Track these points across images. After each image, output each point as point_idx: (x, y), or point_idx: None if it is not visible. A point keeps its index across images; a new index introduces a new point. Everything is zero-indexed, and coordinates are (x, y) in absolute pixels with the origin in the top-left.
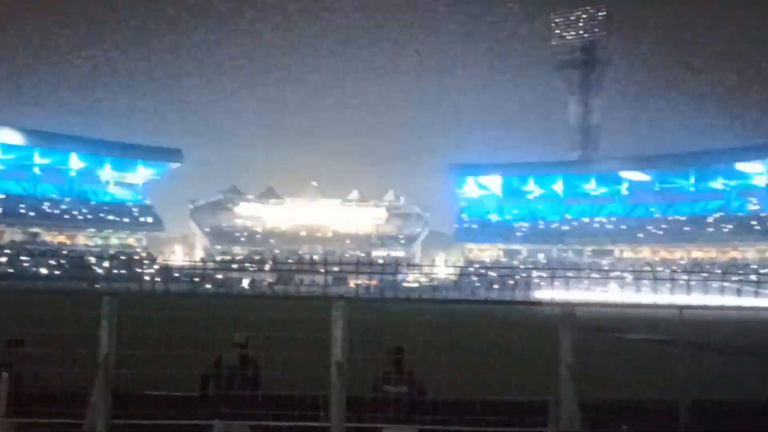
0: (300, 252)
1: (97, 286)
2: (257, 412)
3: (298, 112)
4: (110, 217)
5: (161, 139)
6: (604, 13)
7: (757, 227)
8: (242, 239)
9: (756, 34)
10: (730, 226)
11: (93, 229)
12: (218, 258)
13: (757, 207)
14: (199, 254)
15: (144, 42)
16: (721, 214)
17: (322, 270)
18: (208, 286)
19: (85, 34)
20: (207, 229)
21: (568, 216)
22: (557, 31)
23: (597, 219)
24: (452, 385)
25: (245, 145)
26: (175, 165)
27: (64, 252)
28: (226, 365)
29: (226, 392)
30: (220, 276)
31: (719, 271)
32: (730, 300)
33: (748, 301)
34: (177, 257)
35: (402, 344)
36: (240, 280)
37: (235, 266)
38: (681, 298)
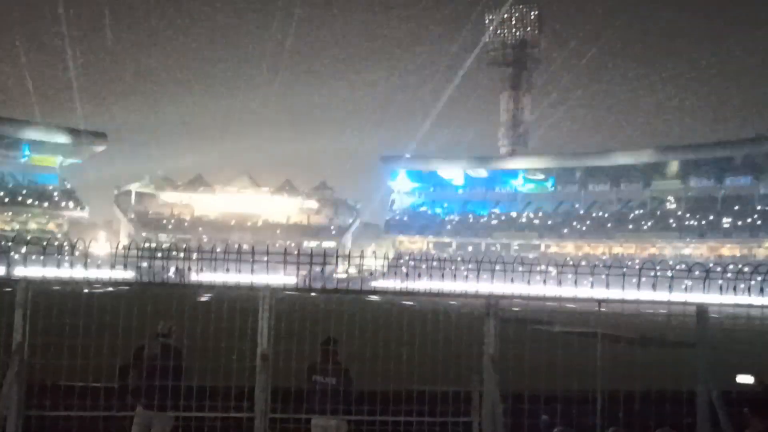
0: (229, 241)
1: (13, 271)
2: (181, 402)
3: (230, 100)
4: (29, 201)
5: (88, 122)
6: (537, 12)
7: (674, 225)
8: (169, 227)
9: (687, 34)
10: (649, 224)
11: (10, 213)
12: (143, 245)
13: (674, 206)
14: (123, 241)
15: (74, 24)
16: (641, 211)
17: (250, 259)
18: (131, 273)
19: (11, 10)
20: (132, 216)
21: (496, 210)
22: (490, 29)
23: (524, 214)
24: (379, 375)
25: (174, 132)
26: (99, 148)
27: None
28: (148, 355)
29: (148, 382)
30: (144, 264)
31: (637, 267)
32: (646, 294)
33: (664, 295)
34: (100, 244)
35: (330, 335)
36: (166, 268)
37: (159, 254)
38: (600, 292)
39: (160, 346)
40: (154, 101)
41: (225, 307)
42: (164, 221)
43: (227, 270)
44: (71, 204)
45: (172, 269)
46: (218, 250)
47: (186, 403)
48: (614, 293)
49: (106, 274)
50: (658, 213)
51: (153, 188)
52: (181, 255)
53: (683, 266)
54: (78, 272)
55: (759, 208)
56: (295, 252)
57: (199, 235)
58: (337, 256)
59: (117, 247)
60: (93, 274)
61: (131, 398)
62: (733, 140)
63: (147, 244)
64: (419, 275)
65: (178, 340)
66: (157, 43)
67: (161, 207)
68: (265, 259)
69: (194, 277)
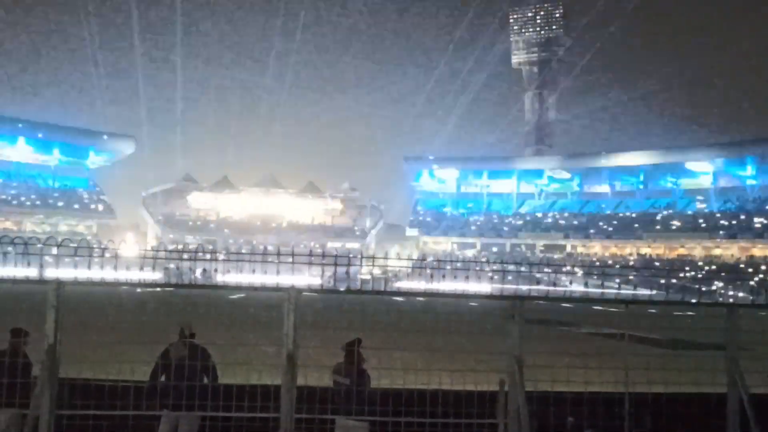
0: (254, 242)
1: (45, 273)
2: (207, 402)
3: (255, 103)
4: (60, 204)
5: (115, 125)
6: (562, 10)
7: (704, 225)
8: (195, 228)
9: (715, 34)
10: (678, 224)
11: (41, 216)
12: (170, 247)
13: (704, 206)
14: (150, 243)
15: (100, 28)
16: (670, 211)
17: (276, 261)
18: (159, 275)
19: (36, 15)
20: (159, 218)
21: (521, 210)
22: (515, 28)
23: (550, 214)
24: (404, 376)
25: (200, 135)
26: (127, 152)
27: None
28: (174, 355)
29: (175, 382)
30: (171, 265)
31: (666, 268)
32: (675, 295)
33: (693, 296)
34: (128, 245)
35: (354, 336)
36: (192, 270)
37: (186, 255)
38: (627, 293)
39: (187, 347)
40: (180, 104)
41: (251, 308)
42: (190, 223)
43: (253, 271)
44: (100, 206)
45: (199, 270)
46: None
47: (212, 403)
48: (642, 294)
49: (135, 275)
50: (688, 212)
51: (179, 190)
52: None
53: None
54: (108, 273)
55: None
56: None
57: (225, 237)
58: (361, 257)
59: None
60: (122, 275)
61: (159, 398)
62: (766, 137)
63: (174, 246)
64: (444, 276)
65: (204, 340)
66: (183, 45)
67: (187, 209)
68: (290, 260)
69: (220, 278)
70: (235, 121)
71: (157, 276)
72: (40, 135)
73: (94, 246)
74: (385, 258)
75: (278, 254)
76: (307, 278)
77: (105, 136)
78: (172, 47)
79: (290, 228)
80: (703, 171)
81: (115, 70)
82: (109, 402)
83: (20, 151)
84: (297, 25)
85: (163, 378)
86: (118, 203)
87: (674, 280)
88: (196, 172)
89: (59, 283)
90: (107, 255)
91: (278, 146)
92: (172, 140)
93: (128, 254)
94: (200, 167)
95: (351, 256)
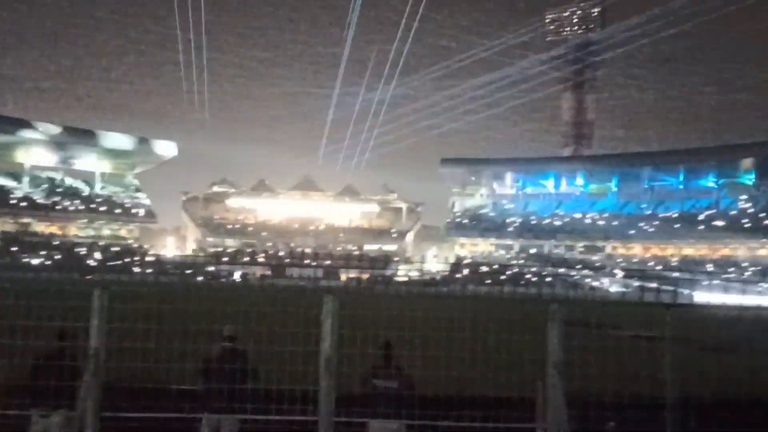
0: (292, 245)
1: (89, 277)
2: (247, 405)
3: (291, 106)
4: (102, 209)
5: (155, 131)
6: (599, 9)
7: (748, 225)
8: (234, 232)
9: (757, 33)
10: (721, 224)
11: (85, 220)
12: (210, 250)
13: (748, 205)
14: (191, 246)
15: (135, 35)
16: (712, 211)
17: (314, 263)
18: (200, 278)
19: (77, 24)
20: (199, 221)
21: (560, 212)
22: (551, 27)
23: (588, 215)
24: (440, 380)
25: (238, 139)
26: (168, 157)
27: (56, 243)
28: (215, 358)
29: (216, 386)
30: (212, 268)
31: (710, 268)
32: (719, 297)
33: (737, 298)
34: (169, 249)
35: (391, 339)
36: (232, 273)
37: (226, 259)
38: (669, 296)
39: (227, 350)
40: (219, 109)
41: (289, 311)
42: (229, 226)
43: (291, 276)
44: (142, 211)
45: (238, 274)
46: (282, 254)
47: (252, 406)
48: (685, 296)
49: (176, 278)
50: (731, 212)
51: (218, 194)
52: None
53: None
54: (150, 277)
55: None
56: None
57: (263, 240)
58: (398, 260)
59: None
60: (164, 279)
61: (200, 401)
62: None
63: (214, 249)
64: (478, 279)
65: (243, 344)
66: (219, 49)
67: (226, 212)
68: (328, 263)
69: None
70: (272, 124)
71: (199, 279)
72: (82, 140)
73: (137, 250)
74: (422, 261)
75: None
76: (345, 280)
77: (147, 141)
78: (209, 51)
79: (328, 231)
80: (746, 170)
81: (155, 76)
82: (152, 404)
83: (65, 157)
84: (330, 27)
85: (203, 380)
86: (159, 207)
87: (716, 282)
88: (234, 176)
89: (103, 288)
90: (148, 259)
91: (316, 148)
92: (212, 144)
93: (169, 256)
94: (238, 171)
95: (388, 258)
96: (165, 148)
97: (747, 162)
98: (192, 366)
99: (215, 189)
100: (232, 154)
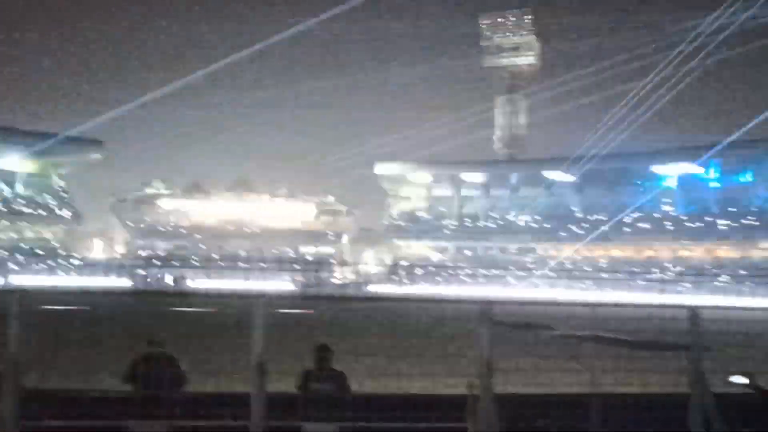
0: (227, 248)
1: (7, 280)
2: (175, 411)
3: (225, 108)
4: (25, 210)
5: (83, 129)
6: (531, 16)
7: (671, 227)
8: (166, 234)
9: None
10: (647, 226)
11: (6, 222)
12: (140, 253)
13: (671, 208)
14: (119, 249)
15: (71, 30)
16: (639, 214)
17: (247, 266)
18: (129, 282)
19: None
20: (129, 224)
21: (493, 214)
22: (486, 33)
23: (521, 217)
24: (374, 380)
25: (171, 139)
26: (96, 155)
27: None
28: (143, 363)
29: (144, 391)
30: (142, 272)
31: (636, 270)
32: (641, 297)
33: (658, 297)
34: (96, 252)
35: (326, 341)
36: (162, 276)
37: (157, 262)
38: (596, 295)
39: (155, 355)
40: (150, 108)
41: (220, 315)
42: (161, 228)
43: (222, 278)
44: (67, 212)
45: (170, 277)
46: (216, 257)
47: (181, 411)
48: (609, 296)
49: (101, 282)
50: (655, 216)
51: (149, 196)
52: (178, 263)
53: (679, 269)
54: (74, 281)
55: (755, 209)
56: (293, 258)
57: (197, 243)
58: (334, 263)
59: (112, 256)
60: (89, 282)
61: (127, 408)
62: (730, 141)
63: (144, 253)
64: (413, 281)
65: (173, 348)
66: (153, 47)
67: (157, 214)
68: (263, 265)
69: (191, 284)
70: (206, 126)
71: (126, 283)
72: (3, 139)
73: (60, 253)
74: (357, 264)
75: (248, 260)
76: (280, 283)
77: (73, 141)
78: (144, 48)
79: (264, 233)
80: (669, 175)
81: (84, 71)
82: (76, 411)
83: None
84: (270, 28)
85: (131, 386)
86: (86, 209)
87: (642, 282)
88: (167, 177)
89: (22, 292)
90: (74, 262)
91: (250, 150)
92: (143, 145)
93: (95, 260)
94: (171, 172)
95: (325, 260)
96: (93, 147)
97: (669, 165)
98: (118, 371)
99: (146, 190)
100: (165, 155)
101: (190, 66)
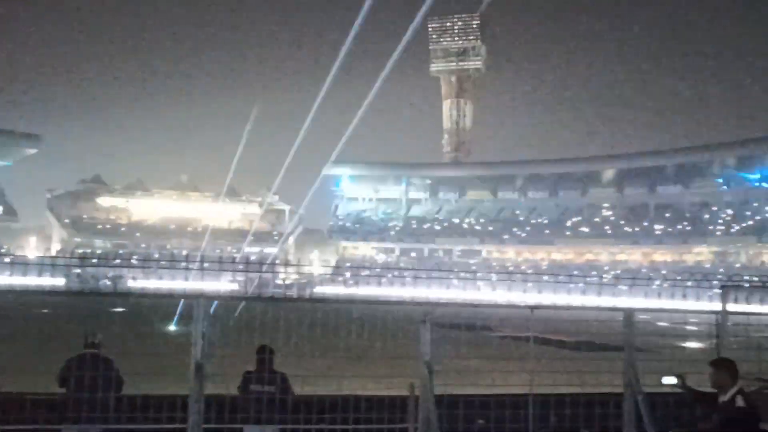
0: (168, 246)
1: None
2: (110, 415)
3: (170, 105)
4: None
5: (20, 123)
6: (479, 21)
7: (609, 232)
8: (105, 232)
9: (630, 47)
10: (586, 230)
11: None
12: (78, 251)
13: (610, 213)
14: (55, 247)
15: (7, 24)
16: (579, 218)
17: (189, 265)
18: (64, 281)
19: None
20: (66, 221)
21: (439, 216)
22: (434, 37)
23: (467, 220)
24: (316, 382)
25: (111, 136)
26: (31, 150)
27: None
28: (77, 365)
29: (78, 394)
30: (78, 270)
31: (574, 273)
32: (579, 299)
33: (595, 300)
34: (31, 250)
35: (268, 342)
36: (100, 275)
37: (95, 260)
38: (536, 297)
39: (90, 357)
40: (90, 103)
41: (161, 315)
42: (99, 226)
43: (161, 277)
44: (0, 208)
45: (108, 275)
46: (156, 256)
47: (116, 415)
48: (548, 298)
49: (35, 281)
50: (595, 220)
51: (88, 192)
52: (117, 261)
53: (619, 271)
54: (6, 280)
55: (688, 215)
56: (237, 258)
57: (137, 241)
58: (279, 263)
59: (47, 254)
60: (22, 281)
61: (60, 412)
62: (665, 150)
63: (81, 251)
64: (357, 282)
65: (109, 350)
66: (93, 42)
67: (97, 211)
68: (205, 265)
69: (130, 283)
70: (150, 122)
71: (60, 282)
72: None
73: None
74: (299, 265)
75: (187, 259)
76: (222, 283)
77: (8, 133)
78: (83, 43)
79: (206, 232)
80: (610, 180)
81: (20, 64)
82: (5, 416)
83: None
84: (213, 28)
85: (64, 389)
86: (21, 205)
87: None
88: (106, 174)
89: None
90: (6, 260)
91: (196, 149)
92: (82, 141)
93: (30, 258)
94: (112, 169)
95: (269, 261)
96: (29, 141)
97: (609, 172)
98: (52, 373)
99: (84, 187)
100: (106, 152)
101: (133, 62)
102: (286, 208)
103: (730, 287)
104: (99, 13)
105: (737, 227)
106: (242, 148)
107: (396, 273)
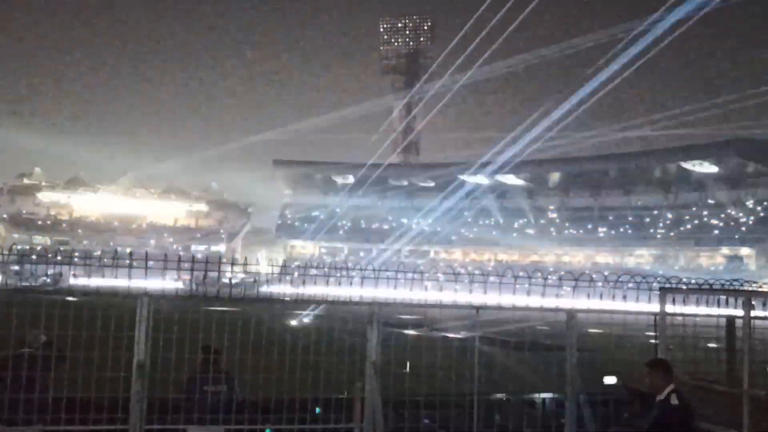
0: (111, 243)
1: None
2: (47, 416)
3: (114, 100)
4: None
5: None
6: (430, 23)
7: (554, 234)
8: (45, 228)
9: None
10: (532, 233)
11: None
12: (16, 247)
13: (555, 216)
14: None
15: None
16: (524, 221)
17: (132, 263)
18: (1, 277)
19: None
20: (4, 216)
21: (388, 216)
22: (385, 37)
23: (415, 221)
24: (263, 383)
25: (51, 130)
26: None
27: None
28: (11, 365)
29: (12, 395)
30: (16, 267)
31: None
32: (523, 300)
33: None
34: None
35: (214, 342)
36: (39, 273)
37: (34, 257)
38: (482, 298)
39: (25, 356)
40: (30, 94)
41: (100, 314)
42: (39, 222)
43: (103, 276)
44: None
45: (48, 273)
46: (98, 253)
47: (54, 416)
48: (494, 298)
49: None
50: (541, 222)
51: (27, 187)
52: (57, 258)
53: (563, 273)
54: None
55: (630, 219)
56: (181, 255)
57: (79, 237)
58: (225, 261)
59: None
60: None
61: None
62: (608, 155)
63: (19, 247)
64: (304, 282)
65: (46, 350)
66: (30, 35)
67: (37, 207)
68: (148, 263)
69: (71, 281)
70: (94, 117)
71: None
72: None
73: None
74: (245, 264)
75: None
76: (165, 282)
77: None
78: (24, 32)
79: (151, 229)
80: (555, 184)
81: None
82: None
83: None
84: (163, 26)
85: None
86: None
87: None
88: (46, 169)
89: None
90: None
91: (140, 145)
92: (21, 134)
93: None
94: (52, 165)
95: (216, 259)
96: None
97: (555, 176)
98: None
99: (24, 181)
100: (45, 147)
101: (78, 56)
102: (234, 205)
103: (667, 289)
104: (27, 11)
105: (676, 231)
106: (188, 145)
107: (343, 272)
